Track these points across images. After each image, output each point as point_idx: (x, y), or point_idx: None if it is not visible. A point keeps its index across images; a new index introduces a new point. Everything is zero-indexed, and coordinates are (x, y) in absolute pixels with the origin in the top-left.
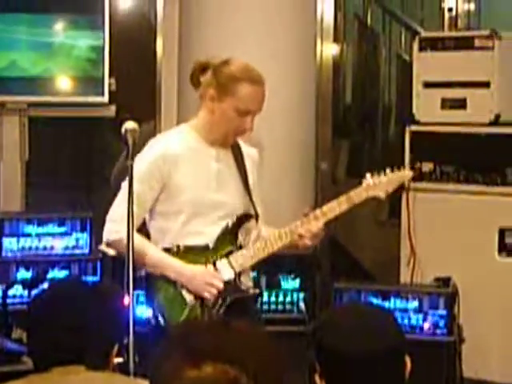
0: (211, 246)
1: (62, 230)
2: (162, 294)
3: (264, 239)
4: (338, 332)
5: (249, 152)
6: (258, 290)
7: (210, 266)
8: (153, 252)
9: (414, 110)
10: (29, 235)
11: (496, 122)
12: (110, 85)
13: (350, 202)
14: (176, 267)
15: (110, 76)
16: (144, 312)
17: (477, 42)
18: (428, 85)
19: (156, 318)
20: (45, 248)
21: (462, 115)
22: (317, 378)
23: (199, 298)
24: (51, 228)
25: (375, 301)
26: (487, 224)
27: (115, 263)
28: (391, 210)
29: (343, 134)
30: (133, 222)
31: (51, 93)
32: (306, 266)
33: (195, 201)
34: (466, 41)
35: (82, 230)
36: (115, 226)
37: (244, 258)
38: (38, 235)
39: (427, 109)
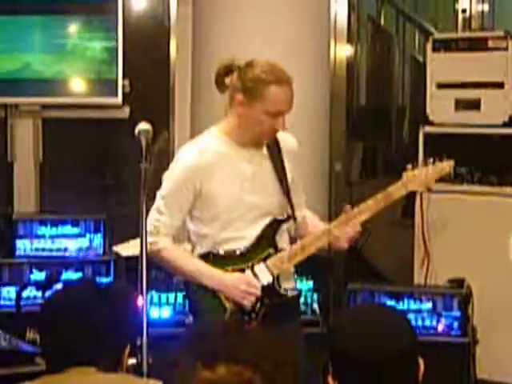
0: (249, 250)
1: (76, 231)
2: (201, 300)
3: (301, 241)
4: (350, 333)
5: (286, 143)
6: (296, 292)
7: (248, 272)
8: (190, 262)
9: (428, 111)
10: (42, 236)
11: (510, 122)
12: (123, 86)
13: (388, 198)
14: (213, 276)
15: (123, 77)
16: (157, 313)
17: (490, 43)
18: (442, 86)
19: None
20: (58, 249)
21: (475, 116)
22: (330, 380)
23: (238, 303)
24: (65, 229)
25: (389, 302)
26: (501, 225)
27: (128, 264)
28: (404, 210)
29: (357, 135)
30: (145, 224)
31: (65, 94)
32: (319, 267)
33: (230, 207)
34: (479, 42)
35: (96, 231)
36: (152, 238)
37: (281, 261)
38: (52, 236)
39: (441, 110)
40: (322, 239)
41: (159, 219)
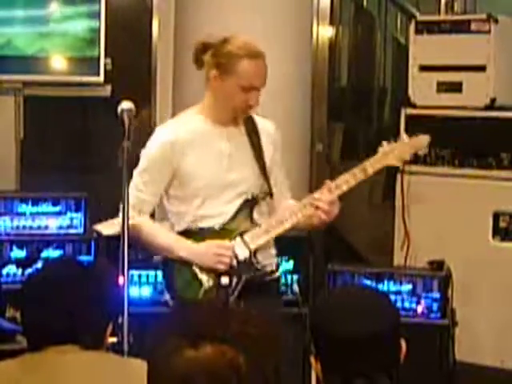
0: (226, 226)
1: (57, 209)
2: (178, 277)
3: (278, 215)
4: (332, 314)
5: (264, 125)
6: (273, 267)
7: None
8: (163, 236)
9: (410, 93)
10: (23, 214)
11: (491, 105)
12: (105, 65)
13: (364, 172)
14: (186, 246)
15: (105, 56)
16: (137, 292)
17: (473, 26)
18: (424, 68)
19: (173, 300)
20: (39, 227)
21: (457, 99)
22: (312, 360)
23: (215, 277)
24: (46, 207)
25: (369, 283)
26: (481, 208)
27: (109, 243)
28: (385, 192)
29: (338, 116)
30: (128, 204)
31: (47, 72)
32: (299, 247)
33: (208, 185)
34: (462, 24)
35: (77, 209)
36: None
37: (258, 236)
38: (33, 214)
39: (423, 92)
40: (299, 213)
41: (136, 196)
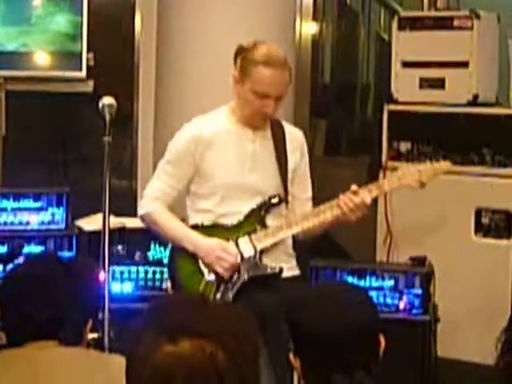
0: (237, 224)
1: (38, 204)
2: (183, 266)
3: (288, 219)
4: (310, 310)
5: (292, 133)
6: (277, 269)
7: (232, 243)
8: (175, 225)
9: (393, 89)
10: (4, 210)
11: (474, 102)
12: (87, 60)
13: (381, 189)
14: (191, 239)
15: (88, 51)
16: (118, 288)
17: (456, 22)
18: (406, 64)
19: (174, 289)
20: (20, 223)
21: (440, 95)
22: (291, 356)
23: (216, 273)
24: (27, 203)
25: (351, 279)
26: (464, 204)
27: (91, 239)
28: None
29: (321, 112)
30: (109, 197)
31: (28, 67)
32: None
33: (228, 184)
34: (445, 21)
35: (58, 205)
36: (144, 201)
37: (265, 237)
38: (14, 210)
39: (405, 88)
40: (310, 219)
41: (155, 184)
